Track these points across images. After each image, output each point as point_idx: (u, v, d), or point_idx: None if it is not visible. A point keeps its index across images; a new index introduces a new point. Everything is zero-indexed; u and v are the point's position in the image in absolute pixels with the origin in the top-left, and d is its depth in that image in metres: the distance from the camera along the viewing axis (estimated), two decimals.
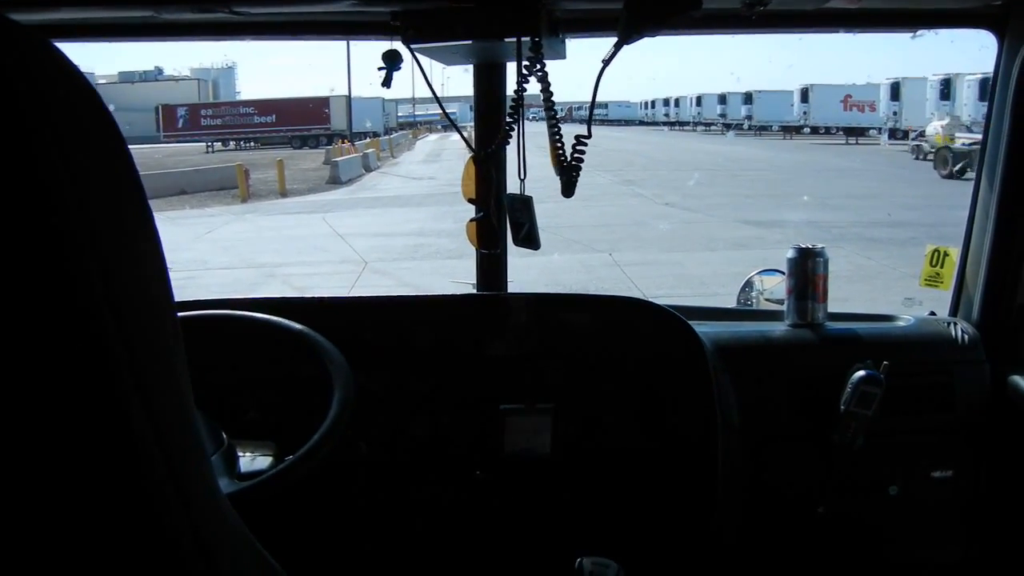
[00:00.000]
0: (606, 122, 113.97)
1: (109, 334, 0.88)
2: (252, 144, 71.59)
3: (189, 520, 0.98)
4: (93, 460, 0.91)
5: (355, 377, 2.65)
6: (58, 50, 0.92)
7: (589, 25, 3.23)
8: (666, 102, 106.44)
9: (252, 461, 2.63)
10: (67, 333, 0.87)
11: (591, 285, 15.66)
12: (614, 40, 2.62)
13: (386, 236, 22.81)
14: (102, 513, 0.92)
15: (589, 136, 2.80)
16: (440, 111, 3.61)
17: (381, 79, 3.01)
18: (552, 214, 16.87)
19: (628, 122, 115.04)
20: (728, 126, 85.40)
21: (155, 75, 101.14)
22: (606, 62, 2.69)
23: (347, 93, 72.26)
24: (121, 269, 0.91)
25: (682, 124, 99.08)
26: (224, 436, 2.54)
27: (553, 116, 2.84)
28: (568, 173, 2.81)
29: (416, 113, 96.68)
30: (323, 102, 71.48)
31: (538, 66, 2.75)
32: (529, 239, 3.24)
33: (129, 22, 3.22)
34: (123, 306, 0.89)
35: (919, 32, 3.45)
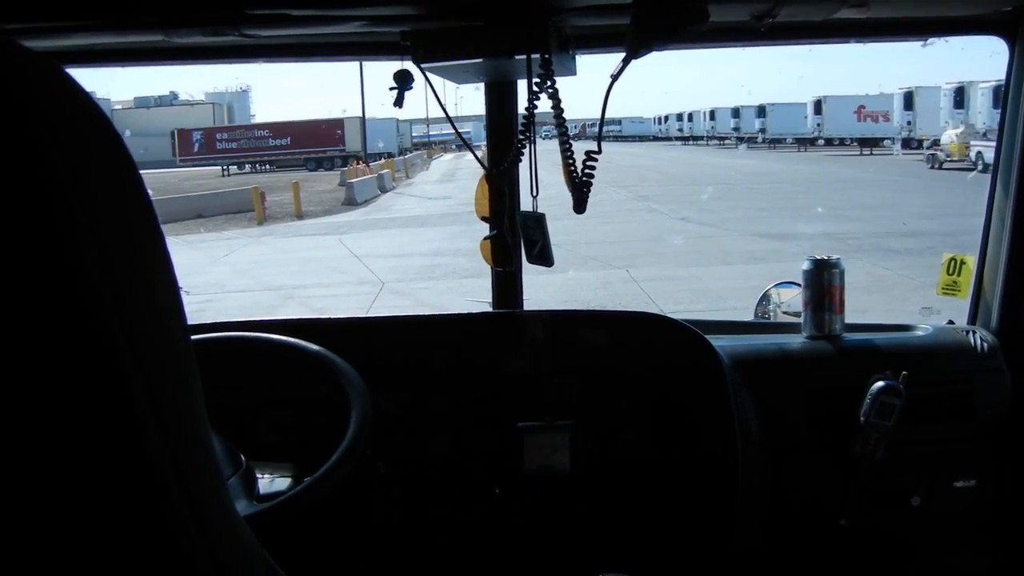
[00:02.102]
0: (620, 138, 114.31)
1: (123, 356, 0.88)
2: (267, 167, 71.99)
3: (205, 541, 0.98)
4: (108, 482, 0.91)
5: (372, 397, 2.65)
6: (69, 76, 0.92)
7: (599, 41, 3.23)
8: (679, 117, 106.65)
9: (271, 483, 2.64)
10: (81, 357, 0.87)
11: (609, 301, 15.64)
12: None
13: (403, 256, 22.81)
14: (118, 535, 0.92)
15: (599, 152, 2.79)
16: (455, 130, 3.61)
17: (393, 99, 3.01)
18: (568, 231, 16.90)
19: (642, 138, 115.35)
20: (741, 139, 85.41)
21: (170, 100, 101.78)
22: (614, 77, 2.69)
23: (361, 114, 72.51)
24: (133, 292, 0.91)
25: (696, 139, 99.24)
26: (243, 458, 2.54)
27: (564, 133, 2.84)
28: (579, 189, 2.80)
29: (431, 133, 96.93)
30: (337, 124, 71.75)
31: (548, 83, 2.75)
32: (543, 256, 3.24)
33: (141, 47, 3.23)
34: (136, 328, 0.90)
35: (930, 40, 3.45)
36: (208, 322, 3.28)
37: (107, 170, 0.93)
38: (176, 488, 0.94)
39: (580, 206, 2.84)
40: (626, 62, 2.61)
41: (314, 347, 2.83)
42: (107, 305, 0.87)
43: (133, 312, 0.90)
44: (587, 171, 2.80)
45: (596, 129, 2.83)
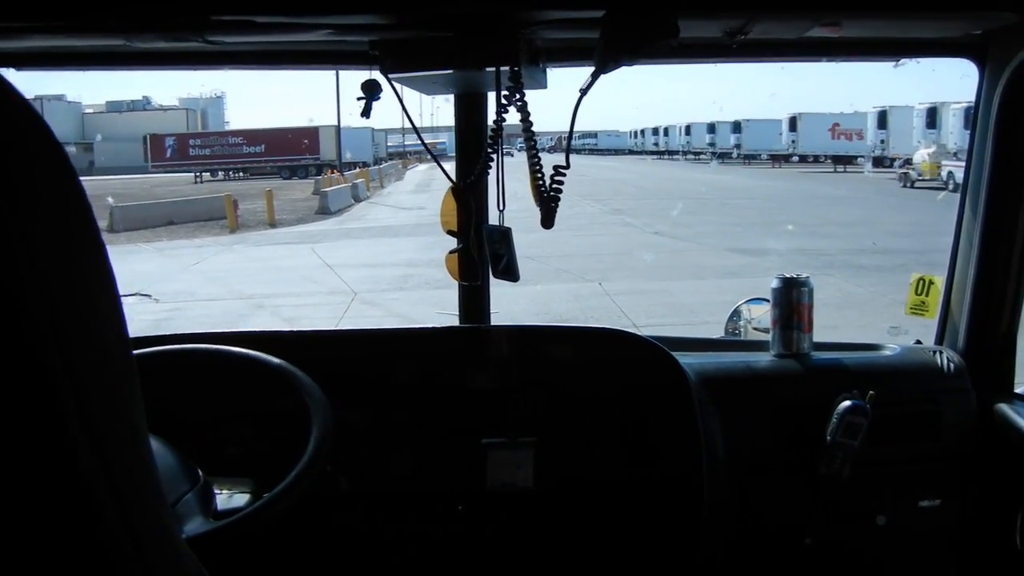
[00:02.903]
0: (596, 151, 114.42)
1: (55, 372, 0.86)
2: (241, 174, 71.85)
3: (141, 563, 0.96)
4: (38, 504, 0.89)
5: (335, 411, 2.63)
6: (6, 82, 0.90)
7: (569, 54, 3.21)
8: (655, 131, 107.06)
9: (229, 499, 2.60)
10: (10, 372, 0.84)
11: (580, 315, 15.68)
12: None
13: (375, 267, 22.81)
14: (49, 561, 0.90)
15: (568, 166, 2.78)
16: (422, 141, 3.59)
17: (361, 109, 2.99)
18: (541, 243, 16.91)
19: (617, 151, 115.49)
20: (716, 155, 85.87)
21: (143, 105, 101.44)
22: (583, 91, 2.68)
23: (336, 123, 72.49)
24: (70, 306, 0.89)
25: (671, 153, 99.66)
26: (200, 473, 2.51)
27: (533, 146, 2.83)
28: (547, 204, 2.79)
29: (406, 143, 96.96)
30: (312, 132, 71.74)
31: (518, 96, 2.73)
32: (508, 271, 3.23)
33: (103, 51, 3.20)
34: (71, 343, 0.88)
35: (901, 61, 3.45)
36: (173, 333, 3.25)
37: (49, 182, 0.91)
38: (112, 511, 0.92)
39: (548, 221, 2.82)
40: (595, 76, 2.61)
41: (276, 360, 2.80)
42: (41, 321, 0.85)
43: (69, 328, 0.88)
44: (555, 186, 2.79)
45: (572, 143, 2.82)
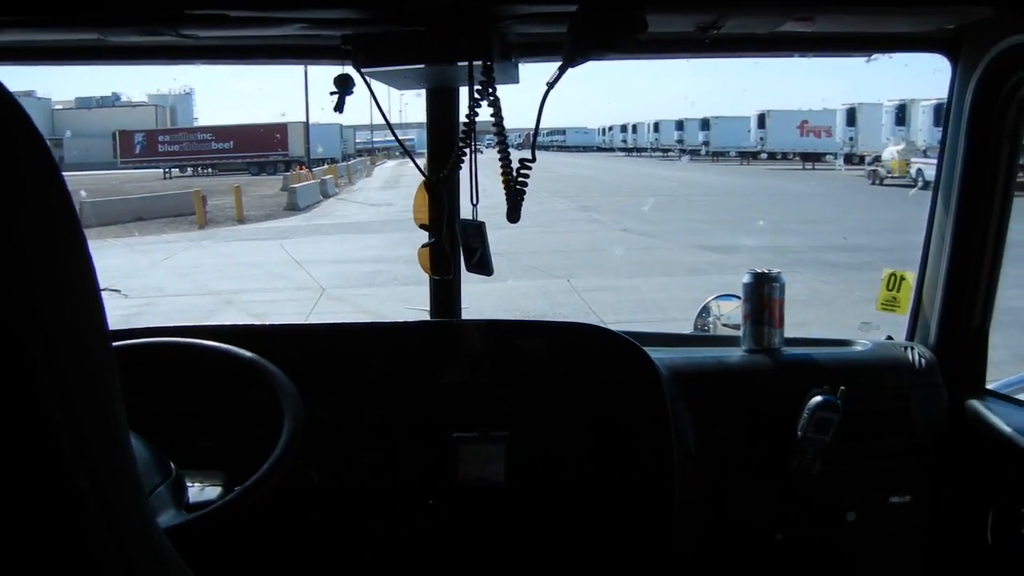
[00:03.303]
0: (564, 148, 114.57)
1: (37, 363, 0.86)
2: (210, 170, 71.61)
3: (122, 557, 0.96)
4: (20, 495, 0.89)
5: (306, 405, 2.63)
6: None
7: (542, 49, 3.21)
8: (623, 128, 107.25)
9: (201, 491, 2.60)
10: None
11: (549, 311, 15.68)
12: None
13: (344, 263, 22.78)
14: (31, 551, 0.90)
15: (533, 160, 2.78)
16: (395, 136, 3.59)
17: (334, 104, 2.98)
18: (510, 240, 16.91)
19: (586, 148, 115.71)
20: (685, 152, 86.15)
21: (112, 101, 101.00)
22: (550, 85, 2.68)
23: (305, 119, 72.35)
24: (51, 297, 0.89)
25: (640, 150, 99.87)
26: (172, 466, 2.51)
27: (503, 141, 2.82)
28: (513, 197, 2.79)
29: (374, 140, 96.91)
30: (281, 128, 71.52)
31: (490, 90, 2.73)
32: (482, 265, 3.23)
33: (77, 45, 3.19)
34: (52, 333, 0.88)
35: (874, 56, 3.46)
36: (144, 327, 3.24)
37: (30, 173, 0.91)
38: (92, 500, 0.93)
39: (513, 214, 2.82)
40: (562, 70, 2.61)
41: (248, 354, 2.80)
42: (23, 311, 0.85)
43: (50, 319, 0.88)
44: (520, 179, 2.79)
45: (542, 139, 2.82)
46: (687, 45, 3.31)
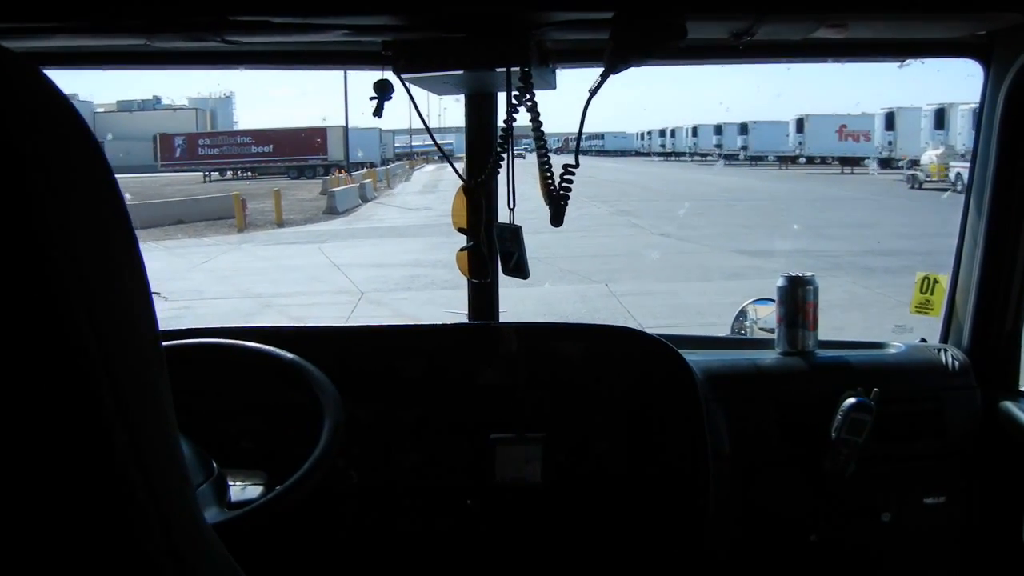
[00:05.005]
0: (602, 153, 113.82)
1: (92, 360, 0.88)
2: (249, 174, 71.63)
3: (170, 546, 0.98)
4: (75, 486, 0.91)
5: (345, 406, 2.65)
6: (47, 78, 0.93)
7: (579, 55, 3.23)
8: (662, 133, 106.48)
9: (243, 490, 2.62)
10: (51, 360, 0.87)
11: (587, 315, 15.59)
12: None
13: (382, 266, 22.72)
14: (82, 538, 0.92)
15: (577, 165, 2.79)
16: (434, 141, 3.62)
17: (373, 109, 3.01)
18: (548, 244, 16.89)
19: (624, 153, 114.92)
20: (723, 156, 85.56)
21: (153, 104, 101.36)
22: (593, 92, 2.69)
23: (344, 123, 72.27)
24: (105, 296, 0.91)
25: (678, 155, 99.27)
26: (215, 465, 2.53)
27: (543, 146, 2.84)
28: (556, 203, 2.81)
29: (413, 144, 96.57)
30: (320, 132, 71.43)
31: (528, 96, 2.76)
32: (519, 269, 3.26)
33: (123, 50, 3.22)
34: (106, 333, 0.90)
35: (906, 61, 3.47)
36: (184, 328, 3.28)
37: (84, 174, 0.94)
38: (143, 492, 0.94)
39: (557, 219, 2.84)
40: (604, 77, 2.62)
41: (289, 355, 2.82)
42: (78, 309, 0.87)
43: (104, 317, 0.90)
44: (564, 185, 2.81)
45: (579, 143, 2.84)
46: (722, 52, 3.33)
